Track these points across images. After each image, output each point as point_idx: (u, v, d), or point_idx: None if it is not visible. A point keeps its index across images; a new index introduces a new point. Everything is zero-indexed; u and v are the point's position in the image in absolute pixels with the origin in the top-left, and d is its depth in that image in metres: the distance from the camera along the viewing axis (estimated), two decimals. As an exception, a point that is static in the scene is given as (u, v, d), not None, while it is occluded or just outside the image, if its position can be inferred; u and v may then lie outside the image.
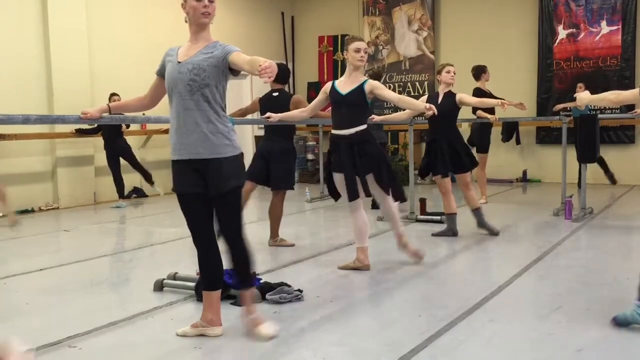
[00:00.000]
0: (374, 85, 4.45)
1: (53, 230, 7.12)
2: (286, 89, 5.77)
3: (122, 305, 3.95)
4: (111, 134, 8.47)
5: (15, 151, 8.08)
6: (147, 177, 8.89)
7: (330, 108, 4.74)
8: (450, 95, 5.77)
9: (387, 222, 4.75)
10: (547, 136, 10.95)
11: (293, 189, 5.62)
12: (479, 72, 7.91)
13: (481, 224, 5.96)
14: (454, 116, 5.85)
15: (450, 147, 5.74)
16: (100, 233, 6.86)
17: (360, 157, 4.46)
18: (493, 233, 5.91)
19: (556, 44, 10.81)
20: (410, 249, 4.84)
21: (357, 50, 4.44)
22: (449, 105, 5.71)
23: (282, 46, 12.89)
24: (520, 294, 4.02)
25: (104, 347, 3.14)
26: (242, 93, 11.18)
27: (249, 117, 5.96)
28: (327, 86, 4.62)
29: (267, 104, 5.44)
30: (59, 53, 8.41)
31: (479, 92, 7.49)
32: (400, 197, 7.61)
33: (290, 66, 12.69)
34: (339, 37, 12.40)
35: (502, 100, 5.66)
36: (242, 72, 3.13)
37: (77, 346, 3.12)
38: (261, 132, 5.88)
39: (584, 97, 3.78)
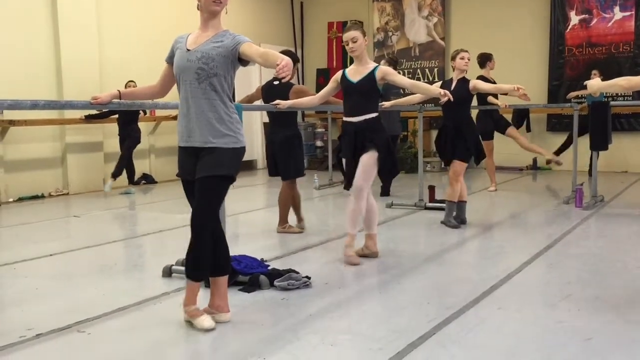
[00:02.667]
0: (385, 72, 4.42)
1: (63, 216, 7.16)
2: (294, 74, 5.72)
3: (131, 290, 3.96)
4: (125, 119, 8.45)
5: (25, 137, 8.10)
6: (118, 172, 8.53)
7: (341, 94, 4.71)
8: (463, 82, 5.71)
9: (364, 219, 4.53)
10: (558, 123, 10.85)
11: (303, 175, 5.60)
12: (484, 60, 7.84)
13: (447, 217, 5.75)
14: (467, 103, 5.79)
15: (456, 133, 5.66)
16: (110, 219, 6.89)
17: (363, 145, 4.41)
18: (451, 223, 5.70)
19: (568, 30, 10.68)
20: (369, 250, 4.61)
21: (347, 43, 4.44)
22: (463, 92, 5.65)
23: (291, 32, 12.82)
24: (530, 282, 4.00)
25: (112, 332, 3.16)
26: (250, 80, 11.15)
27: (257, 103, 5.94)
28: (338, 75, 4.60)
29: (268, 92, 5.42)
30: (68, 42, 8.40)
31: (483, 80, 7.39)
32: (385, 193, 7.62)
33: (299, 52, 12.64)
34: (349, 23, 12.30)
35: (517, 86, 5.53)
36: (250, 62, 3.10)
37: (85, 331, 3.14)
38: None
39: (594, 84, 3.74)
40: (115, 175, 8.52)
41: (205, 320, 3.08)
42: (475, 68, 7.75)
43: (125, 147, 8.57)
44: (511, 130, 8.11)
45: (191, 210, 3.14)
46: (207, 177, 3.02)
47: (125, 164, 8.62)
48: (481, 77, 7.55)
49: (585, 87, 8.94)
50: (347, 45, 4.43)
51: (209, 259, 3.13)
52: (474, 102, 7.58)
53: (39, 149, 8.36)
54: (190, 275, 3.15)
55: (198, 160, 3.08)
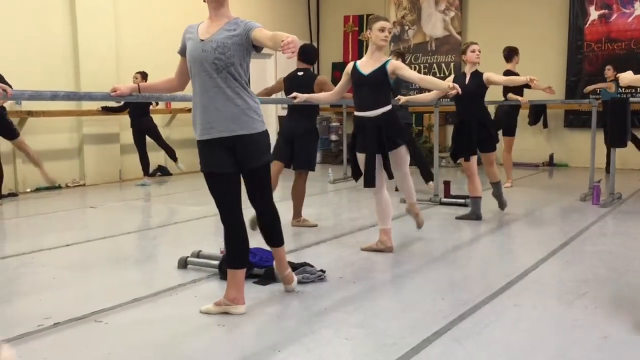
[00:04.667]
0: (396, 66, 4.39)
1: (80, 207, 7.22)
2: (312, 69, 5.72)
3: (146, 281, 3.99)
4: (138, 112, 8.53)
5: (42, 128, 8.18)
6: (172, 155, 8.95)
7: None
8: (477, 75, 5.69)
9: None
10: (575, 119, 10.74)
11: (313, 170, 5.60)
12: (511, 53, 7.72)
13: (497, 194, 6.10)
14: (482, 96, 5.76)
15: (479, 126, 5.67)
16: (126, 210, 6.94)
17: (387, 138, 4.42)
18: (500, 206, 6.12)
19: (587, 25, 10.55)
20: (418, 215, 5.02)
21: (382, 30, 4.35)
22: (476, 85, 5.63)
23: (307, 26, 12.79)
24: (546, 279, 3.97)
25: (128, 322, 3.19)
26: (266, 73, 11.14)
27: (273, 96, 5.95)
28: (349, 67, 4.56)
29: (291, 83, 5.42)
30: (85, 33, 8.45)
31: (509, 75, 7.32)
32: (428, 178, 7.60)
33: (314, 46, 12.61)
34: (365, 17, 12.26)
35: (531, 77, 5.53)
36: (265, 51, 3.10)
37: (102, 321, 3.17)
38: (285, 112, 5.86)
39: (626, 76, 3.69)
40: (174, 157, 8.91)
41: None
42: (493, 62, 7.69)
43: (156, 134, 8.79)
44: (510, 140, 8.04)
45: (218, 204, 3.21)
46: (260, 166, 3.19)
47: (167, 144, 8.93)
48: (508, 72, 7.42)
49: (603, 81, 8.79)
50: (382, 32, 4.35)
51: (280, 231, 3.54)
52: (495, 97, 7.53)
53: (56, 140, 8.43)
54: (277, 242, 3.55)
55: (234, 151, 3.08)
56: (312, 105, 5.36)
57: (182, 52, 3.19)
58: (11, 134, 6.90)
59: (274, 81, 7.33)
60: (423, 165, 7.76)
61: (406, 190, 4.90)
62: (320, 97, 4.80)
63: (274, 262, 3.64)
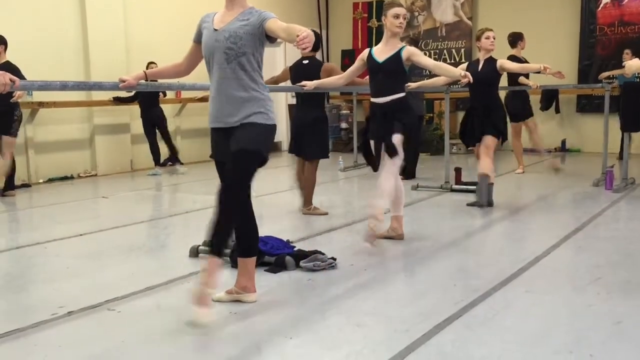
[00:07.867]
0: (411, 52, 4.36)
1: (92, 197, 7.27)
2: (318, 56, 5.69)
3: (159, 270, 4.01)
4: (148, 102, 8.54)
5: (54, 119, 8.22)
6: (174, 154, 8.83)
7: (366, 75, 4.67)
8: (491, 62, 5.65)
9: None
10: (588, 104, 10.63)
11: (328, 157, 5.60)
12: (515, 39, 7.66)
13: (478, 191, 5.72)
14: (495, 83, 5.72)
15: (485, 112, 5.62)
16: (138, 200, 6.98)
17: (392, 125, 4.38)
18: (478, 204, 5.67)
19: (600, 8, 10.41)
20: (395, 232, 4.58)
21: (396, 16, 4.33)
22: (490, 72, 5.59)
23: (316, 13, 12.73)
24: (558, 265, 3.95)
25: (141, 310, 3.21)
26: (275, 61, 11.11)
27: (282, 84, 5.93)
28: (364, 53, 4.55)
29: (297, 72, 5.41)
30: (95, 24, 8.47)
31: (514, 60, 7.25)
32: (410, 175, 7.50)
33: (324, 33, 12.55)
34: (374, 3, 12.17)
35: (545, 65, 5.47)
36: (277, 40, 3.08)
37: (115, 309, 3.19)
38: (295, 100, 5.85)
39: (632, 64, 3.66)
40: (175, 158, 8.81)
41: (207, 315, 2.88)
42: (506, 48, 7.61)
43: (164, 128, 8.76)
44: (531, 121, 7.95)
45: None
46: (236, 151, 2.97)
47: (172, 142, 8.83)
48: (512, 57, 7.38)
49: (617, 67, 8.70)
50: (396, 18, 4.32)
51: (229, 235, 3.05)
52: (505, 82, 7.47)
53: (68, 130, 8.48)
54: (214, 251, 2.97)
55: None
56: (318, 94, 5.35)
57: (197, 38, 3.19)
58: (6, 130, 6.67)
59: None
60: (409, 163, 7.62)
61: (381, 189, 4.34)
62: (330, 81, 4.79)
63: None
